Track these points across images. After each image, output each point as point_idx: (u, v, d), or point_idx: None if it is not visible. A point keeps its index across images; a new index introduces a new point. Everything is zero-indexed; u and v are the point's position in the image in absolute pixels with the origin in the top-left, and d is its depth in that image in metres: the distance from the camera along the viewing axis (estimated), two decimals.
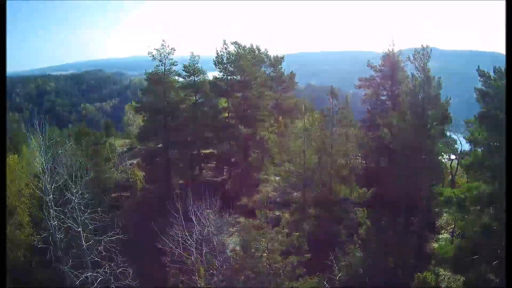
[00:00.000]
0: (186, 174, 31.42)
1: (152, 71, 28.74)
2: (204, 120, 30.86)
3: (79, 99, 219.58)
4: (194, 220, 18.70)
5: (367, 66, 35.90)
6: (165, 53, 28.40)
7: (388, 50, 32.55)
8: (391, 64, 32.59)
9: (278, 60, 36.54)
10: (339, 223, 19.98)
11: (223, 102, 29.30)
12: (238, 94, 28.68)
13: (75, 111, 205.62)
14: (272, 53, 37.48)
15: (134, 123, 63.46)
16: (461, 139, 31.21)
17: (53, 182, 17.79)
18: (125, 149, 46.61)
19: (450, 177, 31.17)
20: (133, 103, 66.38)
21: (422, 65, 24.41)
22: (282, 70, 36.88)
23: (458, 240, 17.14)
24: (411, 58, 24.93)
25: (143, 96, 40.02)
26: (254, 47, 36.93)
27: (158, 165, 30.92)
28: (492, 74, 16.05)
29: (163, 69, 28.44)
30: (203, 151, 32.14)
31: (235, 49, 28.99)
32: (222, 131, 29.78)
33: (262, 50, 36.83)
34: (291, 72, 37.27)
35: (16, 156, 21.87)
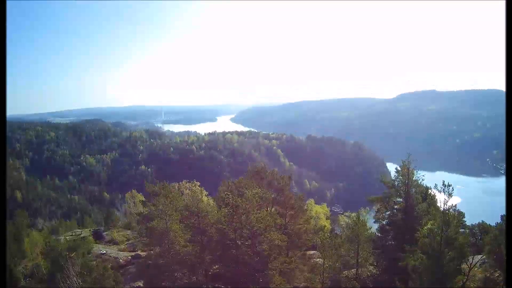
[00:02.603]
0: None
1: (152, 224, 27.24)
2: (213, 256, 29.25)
3: (79, 149, 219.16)
4: None
5: (380, 181, 35.10)
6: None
7: (403, 163, 31.66)
8: (404, 181, 31.81)
9: (286, 182, 35.10)
10: None
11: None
12: (247, 244, 27.06)
13: (75, 162, 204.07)
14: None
15: (135, 211, 61.88)
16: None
17: None
18: (129, 258, 44.85)
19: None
20: (135, 193, 64.88)
21: (443, 206, 24.16)
22: (291, 192, 35.40)
23: None
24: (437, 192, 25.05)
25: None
26: (260, 167, 35.92)
27: None
28: None
29: (165, 222, 27.02)
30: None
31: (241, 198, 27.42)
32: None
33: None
34: (300, 195, 35.75)
35: None
